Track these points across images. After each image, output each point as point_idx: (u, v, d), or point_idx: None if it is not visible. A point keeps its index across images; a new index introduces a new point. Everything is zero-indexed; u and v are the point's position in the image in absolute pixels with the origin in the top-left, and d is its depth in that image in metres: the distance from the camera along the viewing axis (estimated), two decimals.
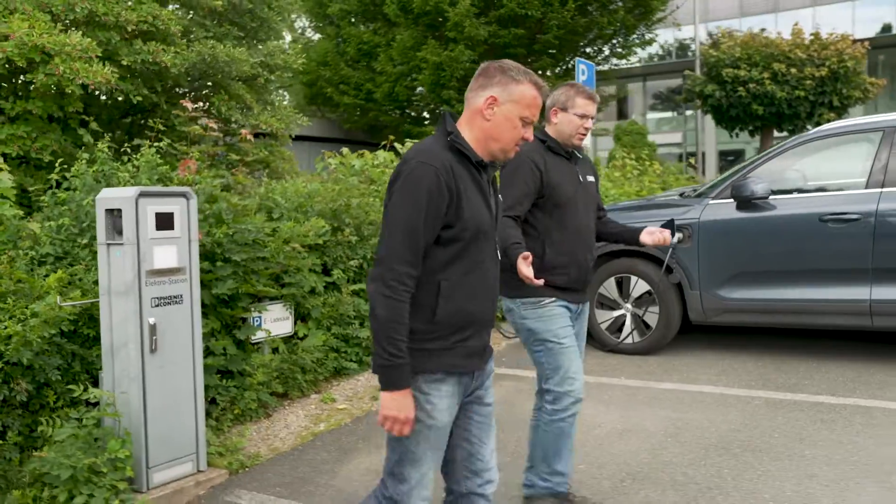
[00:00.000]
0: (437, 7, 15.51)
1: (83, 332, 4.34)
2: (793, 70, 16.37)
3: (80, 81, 6.14)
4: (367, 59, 17.27)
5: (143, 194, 3.84)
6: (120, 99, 8.03)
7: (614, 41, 17.66)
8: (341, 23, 16.99)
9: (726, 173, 6.58)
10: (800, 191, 5.82)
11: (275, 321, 5.52)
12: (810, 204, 5.60)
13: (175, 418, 3.97)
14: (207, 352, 4.90)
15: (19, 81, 6.73)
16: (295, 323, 5.69)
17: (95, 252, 4.34)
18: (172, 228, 4.00)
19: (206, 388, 4.80)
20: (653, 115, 36.48)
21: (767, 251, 5.67)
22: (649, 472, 3.88)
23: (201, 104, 8.05)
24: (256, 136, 9.03)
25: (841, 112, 16.89)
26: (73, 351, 4.24)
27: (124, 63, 7.12)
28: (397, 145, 8.27)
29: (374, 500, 2.47)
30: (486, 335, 2.43)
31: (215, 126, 5.33)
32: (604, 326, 6.33)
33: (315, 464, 4.24)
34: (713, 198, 5.95)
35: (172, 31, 7.62)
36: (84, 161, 4.87)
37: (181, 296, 4.06)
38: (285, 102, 11.13)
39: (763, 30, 18.16)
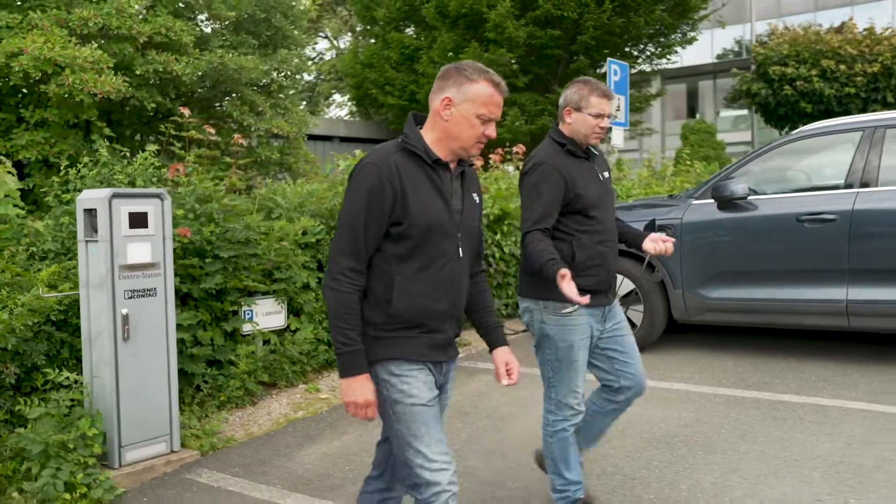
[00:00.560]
0: (474, 9, 15.70)
1: (73, 321, 4.72)
2: (842, 67, 15.97)
3: (89, 91, 6.62)
4: (410, 61, 17.58)
5: (115, 195, 4.18)
6: (137, 106, 8.52)
7: (660, 39, 17.50)
8: (386, 28, 17.37)
9: (715, 174, 6.61)
10: (780, 191, 5.84)
11: (266, 315, 5.82)
12: (789, 204, 5.62)
13: (148, 402, 4.29)
14: (195, 342, 5.23)
15: (39, 91, 7.26)
16: (288, 317, 5.99)
17: None
18: (146, 227, 4.33)
19: (193, 375, 5.16)
20: (727, 114, 35.59)
21: (747, 251, 5.71)
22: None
23: (217, 108, 8.51)
24: (275, 137, 9.45)
25: None
26: (62, 339, 4.61)
27: (138, 72, 7.61)
28: None
29: (403, 489, 2.64)
30: (450, 330, 2.48)
31: (213, 131, 5.67)
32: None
33: (278, 448, 4.52)
34: (697, 198, 6.01)
35: (185, 42, 8.10)
36: (85, 164, 5.27)
37: (155, 289, 4.37)
38: (301, 107, 11.49)
39: (830, 25, 17.71)
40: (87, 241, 4.24)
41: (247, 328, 5.59)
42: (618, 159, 12.59)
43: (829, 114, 16.35)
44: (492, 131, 2.42)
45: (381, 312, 2.37)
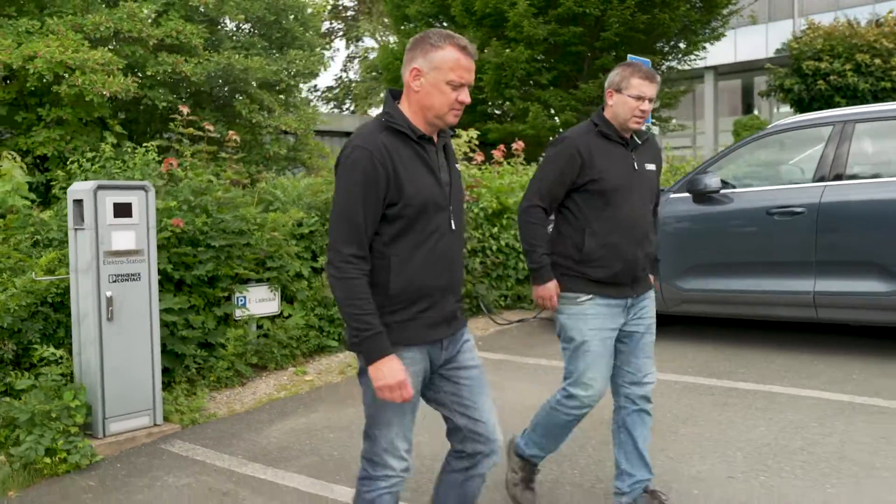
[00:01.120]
0: (496, 8, 15.92)
1: (68, 303, 5.09)
2: (877, 61, 15.69)
3: (98, 91, 7.07)
4: None
5: (100, 187, 4.54)
6: (149, 105, 8.99)
7: (690, 36, 17.44)
8: (419, 24, 17.71)
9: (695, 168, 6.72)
10: (754, 184, 5.94)
11: (260, 301, 6.16)
12: (760, 197, 5.72)
13: (131, 378, 4.64)
14: (187, 325, 5.59)
15: (53, 92, 7.75)
16: (282, 304, 6.31)
17: None
18: (131, 216, 4.68)
19: (183, 356, 5.52)
20: (787, 109, 34.80)
21: (721, 243, 5.84)
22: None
23: (230, 106, 8.91)
24: (284, 133, 9.86)
25: None
26: (59, 319, 5.01)
27: (149, 73, 8.07)
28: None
29: (458, 472, 2.68)
30: (448, 305, 2.47)
31: (212, 127, 6.03)
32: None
33: (251, 423, 4.84)
34: (674, 192, 6.15)
35: (195, 44, 8.52)
36: (89, 158, 5.67)
37: (139, 274, 4.72)
38: (312, 103, 11.91)
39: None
40: (75, 229, 4.61)
41: (238, 314, 5.93)
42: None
43: None
44: (465, 96, 2.39)
45: (380, 295, 2.35)
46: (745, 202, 5.76)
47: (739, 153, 6.06)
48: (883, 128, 5.53)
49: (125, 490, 3.83)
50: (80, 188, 4.59)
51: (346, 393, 5.39)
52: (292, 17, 10.59)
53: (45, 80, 7.11)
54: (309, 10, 11.41)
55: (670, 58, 18.18)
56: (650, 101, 3.07)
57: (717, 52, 31.46)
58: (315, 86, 35.75)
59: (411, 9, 17.65)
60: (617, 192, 3.05)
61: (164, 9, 8.79)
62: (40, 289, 4.86)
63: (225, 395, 5.49)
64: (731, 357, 5.82)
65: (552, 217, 3.21)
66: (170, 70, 8.27)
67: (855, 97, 16.20)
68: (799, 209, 5.48)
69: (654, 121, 18.61)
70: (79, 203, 4.59)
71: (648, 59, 12.61)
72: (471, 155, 8.44)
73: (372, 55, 31.79)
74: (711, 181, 5.80)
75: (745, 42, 31.98)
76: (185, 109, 6.00)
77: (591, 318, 3.08)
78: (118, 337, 4.59)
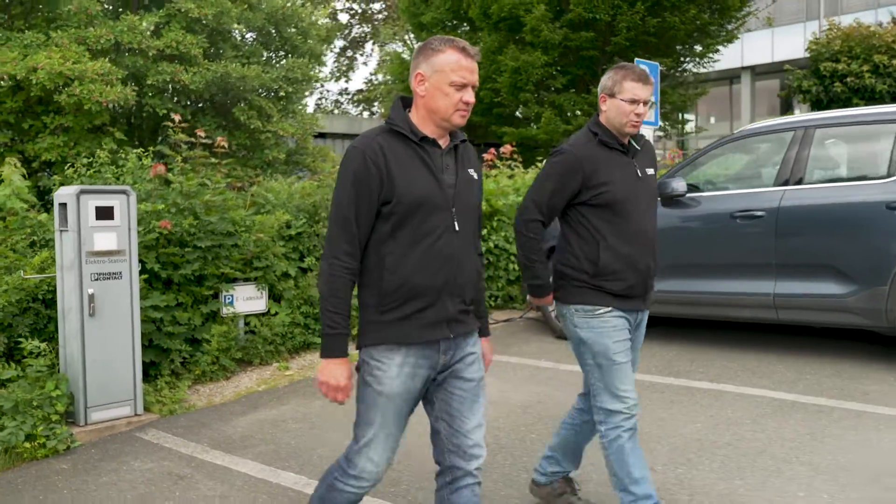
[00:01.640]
0: (512, 13, 16.13)
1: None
2: (895, 62, 15.53)
3: (96, 100, 7.47)
4: None
5: (83, 191, 4.87)
6: (150, 112, 9.40)
7: (709, 38, 17.44)
8: (434, 30, 17.99)
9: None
10: (719, 188, 6.08)
11: (247, 300, 6.46)
12: (724, 201, 5.87)
13: (112, 370, 4.95)
14: (174, 321, 5.90)
15: (55, 100, 8.18)
16: (269, 302, 6.61)
17: None
18: (112, 218, 5.00)
19: (169, 350, 5.84)
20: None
21: (687, 246, 5.99)
22: None
23: (231, 113, 9.28)
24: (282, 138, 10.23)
25: None
26: (49, 315, 5.36)
27: (149, 82, 8.46)
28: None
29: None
30: (448, 307, 2.45)
31: (203, 134, 6.35)
32: (554, 314, 6.82)
33: (224, 414, 5.13)
34: None
35: (194, 54, 8.90)
36: (85, 164, 6.03)
37: (120, 272, 5.03)
38: (309, 110, 12.26)
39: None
40: (60, 231, 4.94)
41: (225, 311, 6.23)
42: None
43: None
44: (469, 96, 2.43)
45: (374, 292, 2.41)
46: (711, 206, 5.90)
47: (707, 158, 6.20)
48: (840, 133, 5.64)
49: (94, 473, 4.13)
50: (64, 192, 4.92)
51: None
52: (292, 27, 10.98)
53: (47, 90, 7.54)
54: (308, 20, 11.78)
55: (686, 60, 18.19)
56: (645, 103, 2.98)
57: (755, 52, 31.25)
58: (346, 89, 36.24)
59: (426, 16, 17.95)
60: (625, 202, 2.98)
61: (166, 20, 9.21)
62: (31, 286, 5.20)
63: (209, 387, 5.80)
64: (695, 357, 5.97)
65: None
66: (168, 79, 8.69)
67: (873, 98, 16.08)
68: (760, 213, 5.61)
69: (663, 123, 18.62)
70: (63, 206, 4.92)
71: (657, 63, 12.67)
72: None
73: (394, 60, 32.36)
74: (677, 185, 5.95)
75: (783, 42, 31.60)
76: (177, 117, 6.32)
77: (614, 330, 3.00)
78: (100, 332, 4.90)
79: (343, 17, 34.69)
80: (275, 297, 6.69)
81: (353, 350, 2.45)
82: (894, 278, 5.09)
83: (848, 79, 16.10)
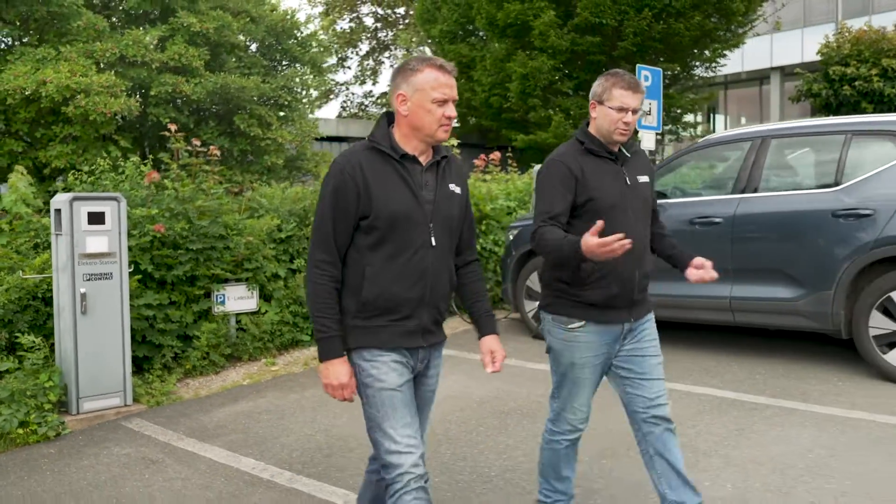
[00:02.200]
0: (520, 19, 16.43)
1: None
2: None
3: (100, 111, 7.93)
4: (467, 70, 18.51)
5: (76, 198, 5.27)
6: (154, 121, 9.88)
7: (715, 43, 17.56)
8: (442, 41, 18.41)
9: None
10: (683, 195, 6.33)
11: (238, 299, 6.84)
12: (685, 207, 6.12)
13: (103, 363, 5.35)
14: (167, 319, 6.30)
15: (63, 111, 8.67)
16: (260, 302, 6.99)
17: None
18: (104, 223, 5.40)
19: (161, 346, 6.24)
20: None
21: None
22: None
23: (232, 121, 9.73)
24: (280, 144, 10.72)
25: None
26: (48, 312, 5.78)
27: (153, 93, 8.93)
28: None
29: (373, 473, 2.84)
30: (426, 317, 2.56)
31: (199, 142, 6.75)
32: (530, 315, 7.12)
33: (204, 405, 5.51)
34: None
35: (195, 66, 9.35)
36: (87, 171, 6.46)
37: (111, 273, 5.43)
38: (309, 117, 12.68)
39: None
40: (56, 235, 5.36)
41: (216, 310, 6.62)
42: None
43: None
44: (451, 111, 2.52)
45: (354, 301, 2.51)
46: (674, 212, 6.15)
47: (674, 165, 6.45)
48: (793, 143, 5.88)
49: (76, 457, 4.52)
50: (58, 199, 5.33)
51: (300, 382, 6.02)
52: (292, 39, 11.43)
53: (55, 102, 8.02)
54: (305, 31, 12.24)
55: (697, 65, 18.33)
56: (634, 112, 2.95)
57: (785, 53, 31.10)
58: (371, 91, 36.67)
59: (435, 28, 18.40)
60: (612, 210, 2.93)
61: (170, 34, 9.70)
62: (30, 285, 5.63)
63: (198, 381, 6.18)
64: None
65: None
66: (171, 90, 9.15)
67: (881, 102, 16.10)
68: (718, 220, 5.86)
69: (673, 126, 18.78)
70: (58, 212, 5.33)
71: (660, 69, 12.87)
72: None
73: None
74: None
75: (812, 41, 31.39)
76: (173, 127, 6.73)
77: (582, 346, 2.99)
78: (91, 328, 5.30)
79: (368, 21, 35.20)
80: (265, 296, 7.07)
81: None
82: (839, 283, 5.32)
83: (857, 82, 16.14)
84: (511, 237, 7.40)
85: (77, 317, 5.25)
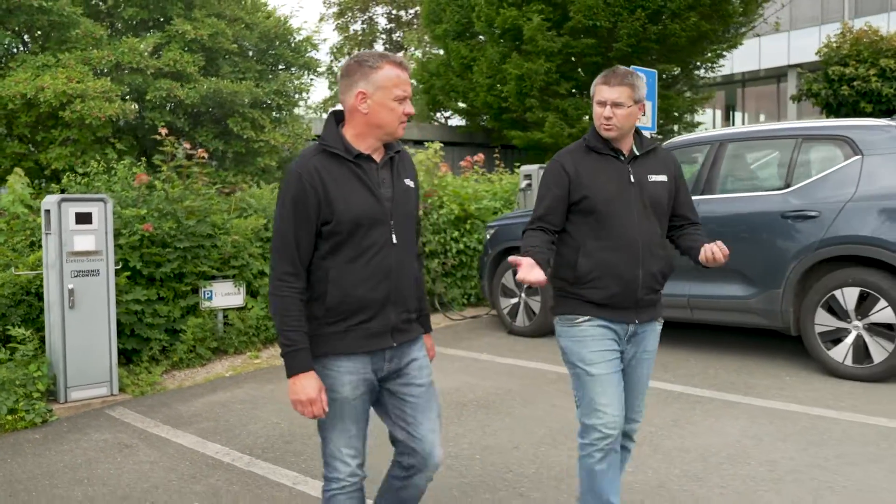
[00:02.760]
0: (514, 23, 16.70)
1: None
2: None
3: (96, 115, 8.29)
4: (468, 70, 18.83)
5: (64, 199, 5.61)
6: (150, 125, 10.26)
7: (712, 45, 17.69)
8: (446, 39, 18.74)
9: None
10: None
11: (225, 295, 7.17)
12: None
13: (90, 355, 5.68)
14: (155, 313, 6.63)
15: (60, 116, 9.06)
16: (246, 297, 7.30)
17: None
18: (91, 223, 5.73)
19: (149, 339, 6.57)
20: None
21: None
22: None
23: (225, 125, 10.07)
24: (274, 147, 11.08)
25: None
26: (41, 307, 6.12)
27: (148, 98, 9.29)
28: None
29: (395, 479, 2.79)
30: (391, 317, 2.54)
31: (189, 146, 7.09)
32: (505, 311, 7.39)
33: (183, 395, 5.83)
34: None
35: (189, 72, 9.71)
36: (82, 173, 6.81)
37: (98, 270, 5.76)
38: (302, 119, 13.05)
39: None
40: (46, 234, 5.70)
41: (204, 305, 6.94)
42: None
43: (889, 113, 16.04)
44: (410, 108, 2.51)
45: (319, 306, 2.48)
46: None
47: None
48: (748, 147, 6.10)
49: (58, 442, 4.85)
50: (48, 200, 5.67)
51: (279, 374, 6.32)
52: (283, 45, 11.82)
53: (53, 107, 8.38)
54: (300, 37, 12.60)
55: (696, 66, 18.46)
56: (614, 105, 2.85)
57: (800, 50, 31.05)
58: None
59: (438, 29, 18.72)
60: (609, 208, 2.88)
61: (166, 41, 10.07)
62: (23, 281, 5.98)
63: (184, 373, 6.51)
64: None
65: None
66: (165, 95, 9.50)
67: (879, 101, 16.17)
68: None
69: (673, 126, 18.93)
70: (48, 213, 5.67)
71: (654, 71, 13.05)
72: (436, 162, 9.17)
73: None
74: None
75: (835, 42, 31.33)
76: (163, 130, 7.06)
77: (592, 339, 2.91)
78: (79, 322, 5.63)
79: (383, 22, 35.59)
80: (252, 292, 7.39)
81: None
82: (787, 282, 5.55)
83: (855, 82, 16.22)
84: (488, 236, 7.66)
85: (65, 311, 5.58)
